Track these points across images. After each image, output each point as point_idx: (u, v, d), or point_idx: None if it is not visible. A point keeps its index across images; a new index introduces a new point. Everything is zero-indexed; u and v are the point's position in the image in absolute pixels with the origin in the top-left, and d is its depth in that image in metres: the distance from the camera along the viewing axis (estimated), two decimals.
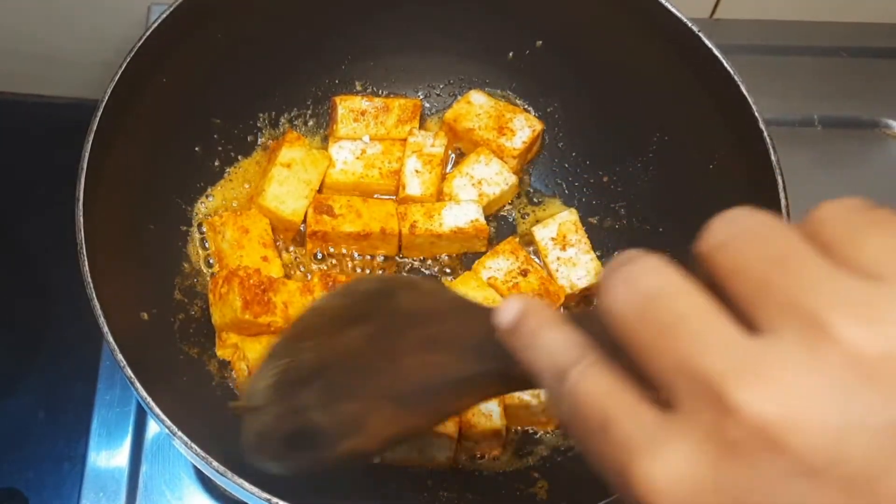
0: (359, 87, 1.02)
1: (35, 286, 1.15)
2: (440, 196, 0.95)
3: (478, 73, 1.01)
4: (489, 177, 0.95)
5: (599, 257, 0.94)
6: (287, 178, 0.91)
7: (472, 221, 0.92)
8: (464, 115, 0.97)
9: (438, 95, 1.03)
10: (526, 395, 0.84)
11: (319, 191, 0.94)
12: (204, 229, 0.92)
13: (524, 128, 0.97)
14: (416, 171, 0.94)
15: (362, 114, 0.96)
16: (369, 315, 0.56)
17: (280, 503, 0.67)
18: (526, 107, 1.01)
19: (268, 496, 0.67)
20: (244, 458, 0.63)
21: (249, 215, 0.90)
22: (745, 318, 0.33)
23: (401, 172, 0.94)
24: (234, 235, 0.88)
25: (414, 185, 0.93)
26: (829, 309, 0.31)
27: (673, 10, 0.84)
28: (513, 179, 0.95)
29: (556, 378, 0.37)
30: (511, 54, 0.99)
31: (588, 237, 0.94)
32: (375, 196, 0.96)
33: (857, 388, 0.30)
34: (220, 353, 0.87)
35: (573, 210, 0.96)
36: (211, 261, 0.91)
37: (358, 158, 0.94)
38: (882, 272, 0.31)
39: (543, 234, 0.94)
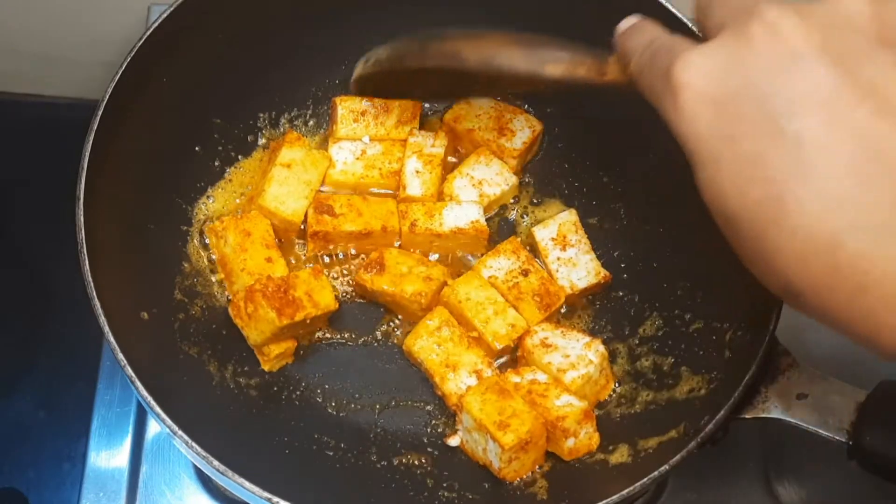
0: None
1: (35, 286, 1.15)
2: (440, 197, 0.95)
3: None
4: (489, 177, 0.95)
5: (599, 257, 0.94)
6: (287, 178, 0.91)
7: (472, 222, 0.92)
8: (464, 116, 0.97)
9: None
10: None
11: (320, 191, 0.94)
12: (206, 237, 0.92)
13: (524, 128, 0.97)
14: (417, 172, 0.94)
15: (362, 114, 0.96)
16: None
17: (280, 502, 0.67)
18: (526, 107, 1.01)
19: (268, 495, 0.67)
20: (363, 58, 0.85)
21: (250, 217, 0.90)
22: None
23: (401, 173, 0.94)
24: (237, 239, 0.88)
25: (414, 186, 0.93)
26: None
27: (673, 10, 0.84)
28: (513, 180, 0.96)
29: (648, 42, 0.56)
30: None
31: (588, 237, 0.94)
32: (373, 190, 0.95)
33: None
34: (267, 367, 0.87)
35: (573, 210, 0.96)
36: (213, 257, 0.91)
37: (358, 159, 0.94)
38: None
39: (543, 234, 0.94)
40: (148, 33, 0.82)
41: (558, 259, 0.93)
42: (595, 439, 0.83)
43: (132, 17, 1.10)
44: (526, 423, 0.79)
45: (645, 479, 0.70)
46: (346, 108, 0.95)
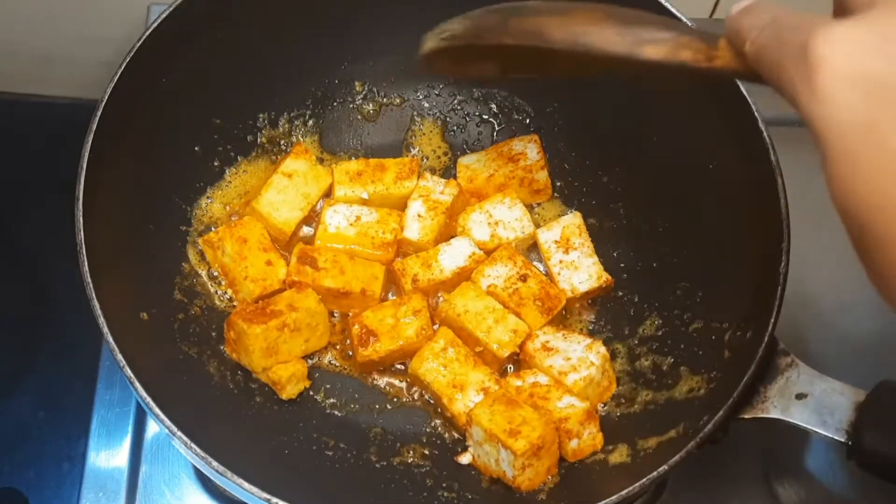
0: (358, 88, 1.02)
1: (35, 286, 1.15)
2: (454, 230, 0.93)
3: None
4: (508, 220, 0.93)
5: (599, 257, 0.94)
6: (286, 187, 0.90)
7: (470, 256, 0.91)
8: (473, 174, 0.96)
9: (438, 95, 1.03)
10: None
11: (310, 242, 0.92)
12: (203, 250, 0.91)
13: (527, 144, 0.97)
14: (419, 216, 0.92)
15: (358, 174, 0.94)
16: None
17: (280, 503, 0.67)
18: (526, 107, 1.01)
19: (267, 496, 0.67)
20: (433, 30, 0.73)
21: (243, 224, 0.89)
22: None
23: (403, 213, 0.92)
24: (234, 248, 0.87)
25: (413, 230, 0.91)
26: None
27: (673, 10, 0.84)
28: (530, 230, 0.93)
29: (769, 20, 0.48)
30: None
31: (591, 240, 0.94)
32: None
33: None
34: (284, 396, 0.85)
35: (577, 213, 0.95)
36: (215, 273, 0.91)
37: (351, 225, 0.91)
38: None
39: (547, 236, 0.93)
40: (148, 33, 0.82)
41: (560, 262, 0.93)
42: (599, 439, 0.83)
43: (132, 17, 1.10)
44: (537, 429, 0.79)
45: (644, 480, 0.70)
46: (341, 171, 0.94)
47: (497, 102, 1.03)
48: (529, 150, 0.97)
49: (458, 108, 1.03)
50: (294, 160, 0.92)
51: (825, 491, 0.93)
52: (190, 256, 0.91)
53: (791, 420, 0.72)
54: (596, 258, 0.93)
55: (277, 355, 0.84)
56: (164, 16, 0.83)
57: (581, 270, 0.92)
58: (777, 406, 0.73)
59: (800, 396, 0.73)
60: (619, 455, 0.81)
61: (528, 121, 1.02)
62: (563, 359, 0.85)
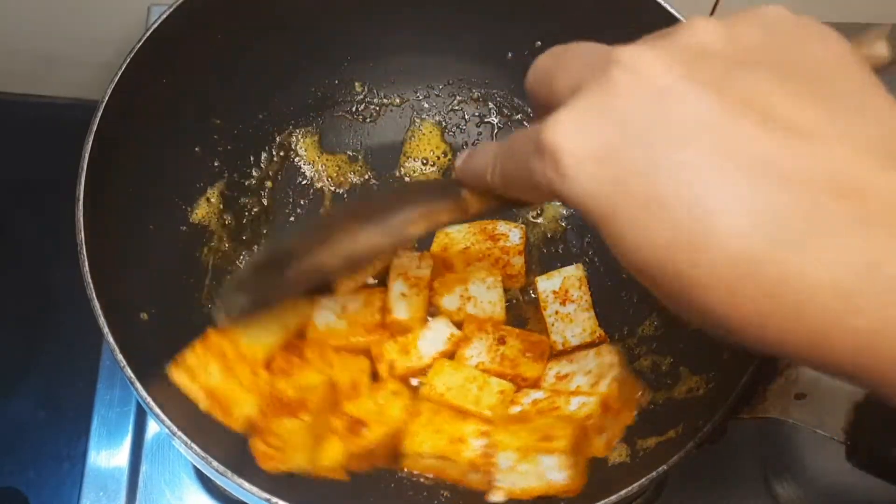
0: (358, 88, 1.02)
1: (35, 286, 1.15)
2: (431, 310, 0.91)
3: (477, 74, 1.01)
4: (481, 300, 0.91)
5: (598, 257, 0.94)
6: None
7: (448, 339, 0.88)
8: (450, 243, 0.94)
9: (438, 96, 1.04)
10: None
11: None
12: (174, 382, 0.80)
13: (511, 230, 0.96)
14: (403, 295, 0.89)
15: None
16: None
17: (280, 503, 0.67)
18: (525, 107, 1.01)
19: (267, 496, 0.67)
20: (219, 302, 0.72)
21: (213, 338, 0.79)
22: None
23: (387, 296, 0.89)
24: (220, 364, 0.78)
25: (400, 309, 0.89)
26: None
27: (672, 10, 0.84)
28: (500, 316, 0.90)
29: (492, 157, 0.52)
30: (511, 54, 0.99)
31: (591, 294, 0.92)
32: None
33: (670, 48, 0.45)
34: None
35: (580, 266, 0.94)
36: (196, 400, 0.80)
37: (339, 318, 0.88)
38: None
39: (546, 286, 0.92)
40: (148, 33, 0.82)
41: (556, 313, 0.91)
42: (628, 418, 0.82)
43: (132, 17, 1.10)
44: (566, 427, 0.77)
45: (643, 479, 0.70)
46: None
47: (496, 103, 1.03)
48: (512, 234, 0.95)
49: (458, 108, 1.03)
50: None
51: (824, 491, 0.94)
52: (189, 257, 0.91)
53: (790, 420, 0.72)
54: (592, 313, 0.91)
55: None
56: (164, 16, 0.83)
57: (575, 324, 0.91)
58: (776, 406, 0.73)
59: (799, 396, 0.73)
60: (618, 455, 0.81)
61: (527, 121, 1.02)
62: (583, 375, 0.84)
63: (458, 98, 1.03)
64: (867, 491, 0.90)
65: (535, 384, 0.87)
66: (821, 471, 0.94)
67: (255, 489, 0.67)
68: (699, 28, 0.45)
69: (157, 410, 0.69)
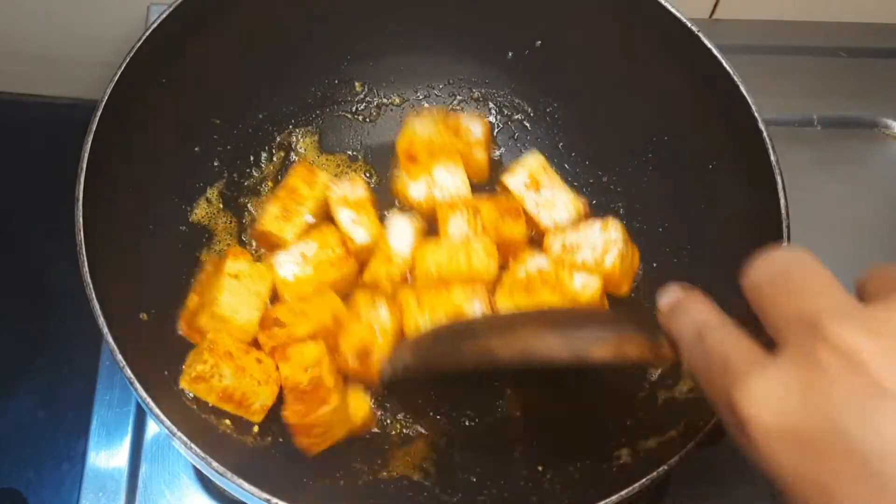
0: (358, 88, 1.02)
1: (35, 286, 1.15)
2: (393, 192, 0.95)
3: (477, 73, 1.01)
4: (446, 185, 0.94)
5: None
6: (237, 288, 0.85)
7: (415, 229, 0.92)
8: (415, 137, 0.96)
9: (438, 95, 1.03)
10: None
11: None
12: (188, 393, 0.82)
13: (474, 121, 0.98)
14: (353, 221, 0.92)
15: (284, 213, 0.91)
16: None
17: (280, 503, 0.67)
18: (525, 107, 1.01)
19: (267, 496, 0.67)
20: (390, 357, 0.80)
21: (218, 341, 0.82)
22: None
23: (339, 228, 0.92)
24: (231, 366, 0.81)
25: (359, 234, 0.91)
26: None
27: (673, 10, 0.84)
28: (466, 195, 0.94)
29: (696, 334, 0.50)
30: (511, 54, 0.99)
31: (560, 175, 0.96)
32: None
33: None
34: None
35: (535, 151, 0.97)
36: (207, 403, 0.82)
37: (305, 264, 0.90)
38: None
39: (515, 181, 0.94)
40: (147, 33, 0.82)
41: (536, 203, 0.93)
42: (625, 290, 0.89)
43: (132, 17, 1.10)
44: None
45: (644, 480, 0.70)
46: (270, 223, 0.91)
47: (497, 103, 1.03)
48: (475, 128, 0.97)
49: (458, 108, 1.03)
50: (234, 261, 0.87)
51: None
52: (189, 257, 0.91)
53: None
54: (568, 191, 0.94)
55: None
56: (164, 16, 0.83)
57: (558, 206, 0.93)
58: None
59: None
60: (620, 455, 0.81)
61: (527, 121, 1.02)
62: (589, 249, 0.87)
63: (458, 98, 1.03)
64: None
65: (524, 246, 0.90)
66: None
67: (254, 489, 0.67)
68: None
69: (157, 411, 0.69)
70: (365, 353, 0.85)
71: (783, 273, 0.47)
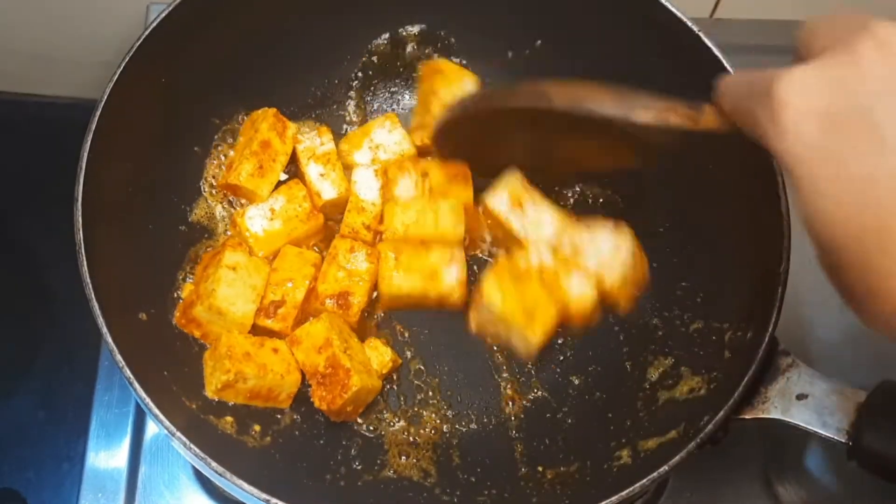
0: (358, 88, 1.02)
1: (35, 286, 1.15)
2: (339, 156, 0.95)
3: (477, 73, 1.01)
4: (388, 144, 0.95)
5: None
6: (234, 280, 0.85)
7: (376, 175, 0.93)
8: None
9: None
10: None
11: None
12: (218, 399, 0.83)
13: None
14: (322, 175, 0.93)
15: (259, 169, 0.91)
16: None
17: (280, 503, 0.67)
18: None
19: (266, 496, 0.67)
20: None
21: (226, 345, 0.82)
22: None
23: (307, 182, 0.93)
24: (252, 369, 0.81)
25: (327, 189, 0.93)
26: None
27: (673, 9, 0.84)
28: (410, 150, 0.95)
29: (744, 83, 0.54)
30: (511, 54, 0.99)
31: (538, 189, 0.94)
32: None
33: None
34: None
35: (513, 169, 0.94)
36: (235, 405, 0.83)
37: (273, 218, 0.91)
38: None
39: (498, 202, 0.92)
40: (147, 33, 0.82)
41: (523, 225, 0.92)
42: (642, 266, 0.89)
43: (131, 16, 1.10)
44: (550, 311, 0.83)
45: (645, 480, 0.70)
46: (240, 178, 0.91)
47: None
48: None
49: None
50: (232, 253, 0.87)
51: (825, 491, 0.93)
52: (188, 256, 0.91)
53: (791, 420, 0.72)
54: (547, 202, 0.92)
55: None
56: (163, 16, 0.83)
57: (544, 223, 0.92)
58: (777, 406, 0.73)
59: (800, 397, 0.73)
60: (620, 456, 0.81)
61: None
62: (595, 257, 0.87)
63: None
64: (868, 492, 0.90)
65: (461, 205, 0.90)
66: (821, 471, 0.94)
67: (254, 489, 0.67)
68: None
69: (156, 411, 0.69)
70: (343, 297, 0.87)
71: (832, 15, 0.51)
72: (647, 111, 0.64)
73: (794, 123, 0.46)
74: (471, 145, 0.87)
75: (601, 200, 0.98)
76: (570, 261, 0.88)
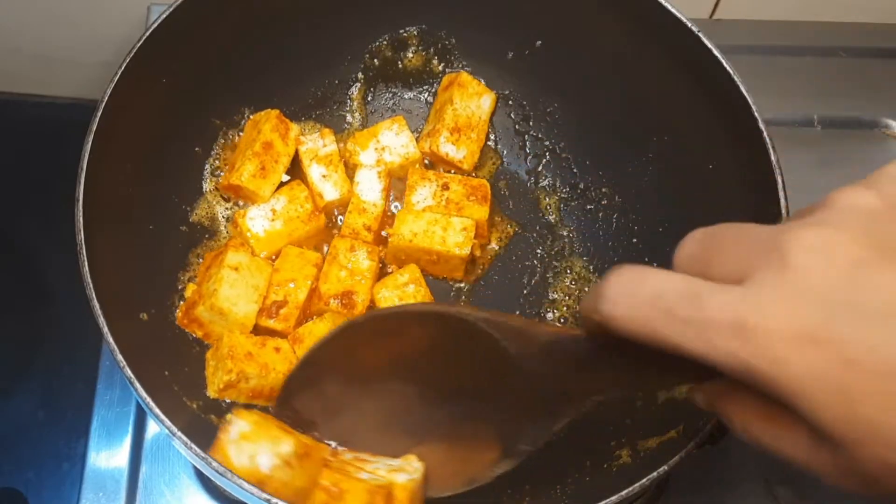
0: (357, 88, 1.02)
1: (35, 286, 1.15)
2: (344, 153, 0.96)
3: (477, 73, 1.01)
4: (394, 146, 0.96)
5: (598, 257, 0.94)
6: (236, 280, 0.85)
7: (380, 175, 0.94)
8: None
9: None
10: None
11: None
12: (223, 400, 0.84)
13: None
14: (324, 176, 0.94)
15: (262, 169, 0.91)
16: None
17: (280, 503, 0.67)
18: (526, 106, 1.01)
19: (267, 496, 0.67)
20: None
21: (228, 346, 0.82)
22: None
23: (309, 183, 0.93)
24: (254, 369, 0.81)
25: (329, 191, 0.93)
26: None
27: (673, 10, 0.83)
28: (415, 155, 0.96)
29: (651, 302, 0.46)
30: (511, 54, 0.99)
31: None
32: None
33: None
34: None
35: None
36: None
37: (275, 219, 0.91)
38: None
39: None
40: (147, 33, 0.82)
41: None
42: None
43: (132, 17, 1.10)
44: None
45: (644, 480, 0.70)
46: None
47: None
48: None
49: None
50: (235, 254, 0.87)
51: (825, 492, 0.93)
52: (189, 257, 0.91)
53: None
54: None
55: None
56: (164, 16, 0.83)
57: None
58: None
59: None
60: (620, 455, 0.81)
61: (527, 121, 1.02)
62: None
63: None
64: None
65: (473, 226, 0.92)
66: None
67: (254, 489, 0.67)
68: (850, 195, 0.44)
69: (157, 411, 0.69)
70: (347, 296, 0.88)
71: (712, 236, 0.48)
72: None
73: (786, 350, 0.41)
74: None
75: (602, 201, 0.98)
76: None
